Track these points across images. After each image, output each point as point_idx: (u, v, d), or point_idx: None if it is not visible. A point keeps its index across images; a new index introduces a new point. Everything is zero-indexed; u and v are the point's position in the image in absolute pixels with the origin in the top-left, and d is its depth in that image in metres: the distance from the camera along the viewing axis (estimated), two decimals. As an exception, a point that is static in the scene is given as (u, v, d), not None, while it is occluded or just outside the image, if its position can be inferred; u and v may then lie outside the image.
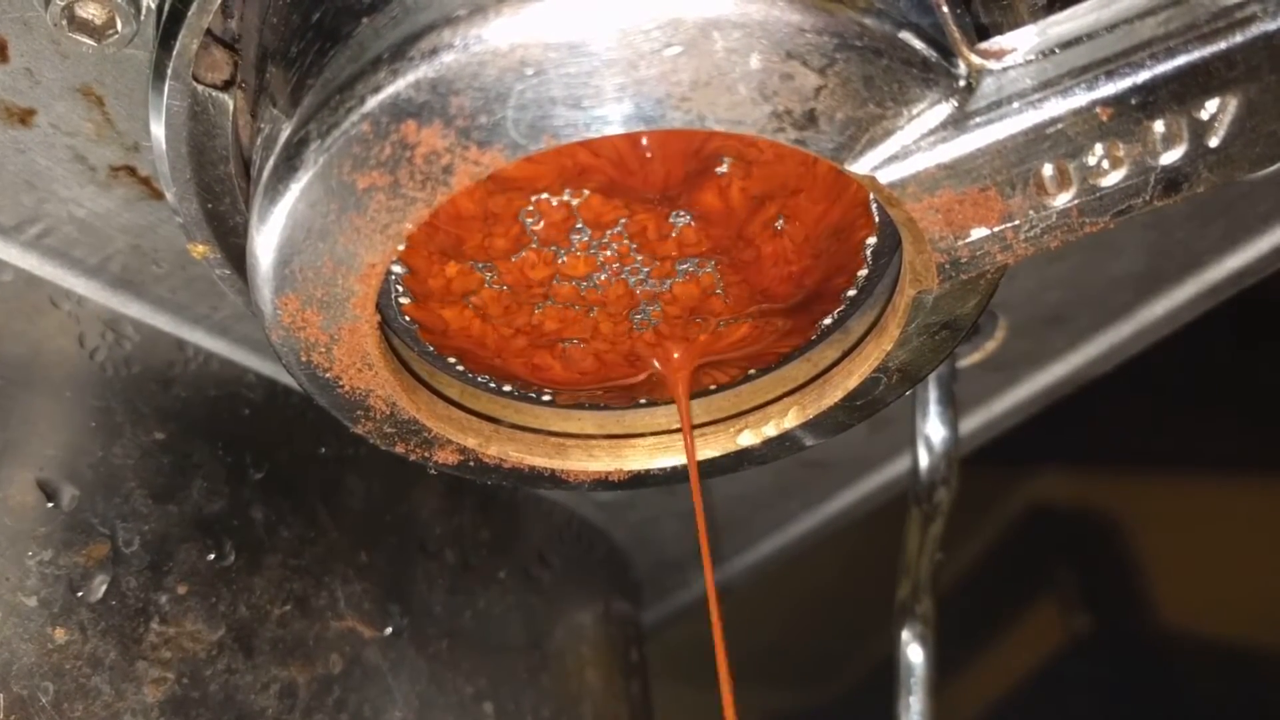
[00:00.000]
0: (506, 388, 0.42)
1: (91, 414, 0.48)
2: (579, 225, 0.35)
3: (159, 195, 0.46)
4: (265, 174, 0.32)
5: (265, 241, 0.32)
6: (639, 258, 0.37)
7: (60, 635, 0.44)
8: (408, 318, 0.39)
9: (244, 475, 0.51)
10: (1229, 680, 1.14)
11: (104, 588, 0.45)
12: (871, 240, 0.37)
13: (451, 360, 0.41)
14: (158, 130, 0.37)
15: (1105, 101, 0.31)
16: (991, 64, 0.31)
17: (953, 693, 1.13)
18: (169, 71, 0.36)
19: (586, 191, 0.34)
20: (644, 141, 0.33)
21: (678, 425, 0.44)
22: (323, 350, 0.36)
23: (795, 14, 0.29)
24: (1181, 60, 0.30)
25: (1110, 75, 0.31)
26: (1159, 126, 0.31)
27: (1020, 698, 1.16)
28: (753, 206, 0.35)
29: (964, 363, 0.61)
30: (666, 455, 0.44)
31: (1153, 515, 1.15)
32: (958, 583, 1.13)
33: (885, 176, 0.31)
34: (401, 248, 0.35)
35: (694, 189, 0.35)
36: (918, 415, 0.56)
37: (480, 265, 0.37)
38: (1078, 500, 1.20)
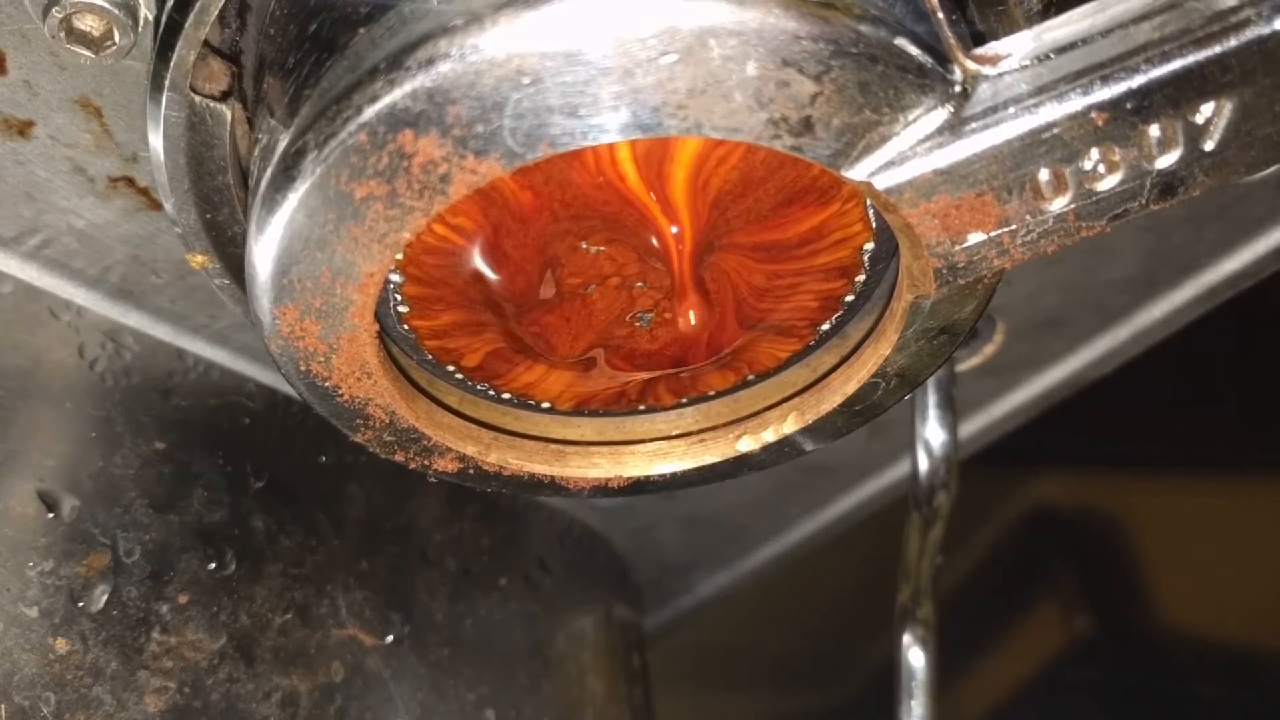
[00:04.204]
0: (506, 395, 0.43)
1: (92, 424, 0.48)
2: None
3: (158, 206, 0.46)
4: (263, 184, 0.32)
5: (263, 251, 0.32)
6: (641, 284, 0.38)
7: (61, 646, 0.44)
8: (406, 326, 0.39)
9: (244, 484, 0.51)
10: (1231, 681, 1.14)
11: (105, 598, 0.46)
12: (869, 246, 0.38)
13: (450, 368, 0.41)
14: (156, 141, 0.38)
15: (1100, 106, 0.31)
16: (987, 70, 0.31)
17: (954, 696, 1.13)
18: (166, 83, 0.36)
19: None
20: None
21: (678, 431, 0.44)
22: (321, 359, 0.36)
23: (791, 21, 0.29)
24: (1176, 64, 0.31)
25: (1105, 80, 0.31)
26: (1154, 131, 0.31)
27: (1022, 700, 1.16)
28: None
29: (963, 367, 0.61)
30: (666, 461, 0.44)
31: (1153, 517, 1.15)
32: (958, 586, 1.13)
33: (882, 182, 0.31)
34: (399, 257, 0.35)
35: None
36: (917, 419, 0.56)
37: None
38: (1078, 503, 1.20)
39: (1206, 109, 0.31)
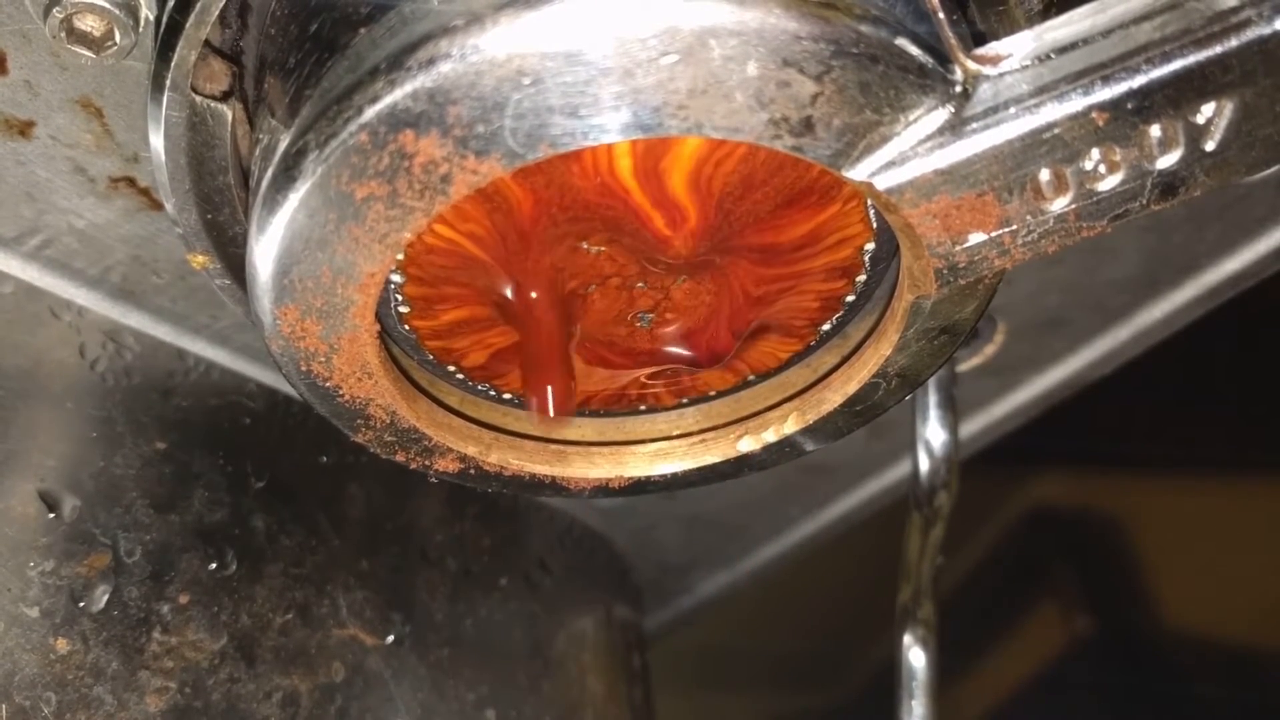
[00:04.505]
0: (507, 395, 0.43)
1: (92, 424, 0.48)
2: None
3: (158, 206, 0.46)
4: (264, 184, 0.32)
5: (264, 252, 0.33)
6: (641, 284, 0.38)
7: (62, 646, 0.44)
8: (407, 326, 0.39)
9: (245, 484, 0.51)
10: (1231, 681, 1.14)
11: (106, 598, 0.46)
12: (870, 246, 0.38)
13: (451, 368, 0.41)
14: (157, 141, 0.37)
15: (1101, 106, 0.31)
16: (988, 70, 0.31)
17: (954, 696, 1.13)
18: (167, 83, 0.36)
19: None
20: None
21: (679, 431, 0.44)
22: (322, 360, 0.36)
23: (792, 21, 0.29)
24: (1177, 65, 0.31)
25: (1106, 80, 0.31)
26: (1155, 131, 0.31)
27: (1022, 700, 1.16)
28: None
29: (963, 367, 0.61)
30: (667, 462, 0.44)
31: (1153, 517, 1.15)
32: (959, 586, 1.13)
33: (882, 182, 0.31)
34: (400, 257, 0.35)
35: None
36: (918, 419, 0.56)
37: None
38: (1078, 503, 1.20)
39: (1207, 109, 0.31)
